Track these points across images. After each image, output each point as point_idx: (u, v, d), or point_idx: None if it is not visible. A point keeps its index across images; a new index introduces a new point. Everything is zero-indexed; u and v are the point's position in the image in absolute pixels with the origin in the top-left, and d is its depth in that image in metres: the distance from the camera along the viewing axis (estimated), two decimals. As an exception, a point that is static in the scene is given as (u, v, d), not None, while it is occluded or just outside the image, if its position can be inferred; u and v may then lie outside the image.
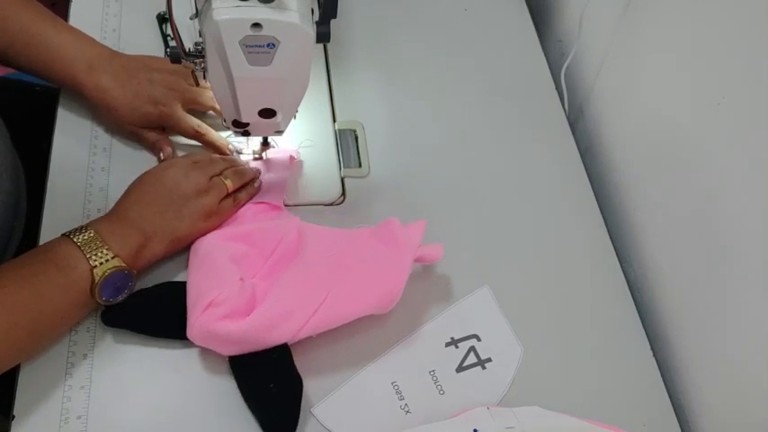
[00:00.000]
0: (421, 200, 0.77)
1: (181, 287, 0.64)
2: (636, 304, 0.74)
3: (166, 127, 0.75)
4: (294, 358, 0.62)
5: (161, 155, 0.74)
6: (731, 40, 0.64)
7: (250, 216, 0.71)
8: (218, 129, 0.76)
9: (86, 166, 0.73)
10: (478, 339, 0.69)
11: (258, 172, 0.74)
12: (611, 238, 0.78)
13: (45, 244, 0.62)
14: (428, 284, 0.71)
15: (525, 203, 0.79)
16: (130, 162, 0.73)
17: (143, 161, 0.74)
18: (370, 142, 0.81)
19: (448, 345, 0.68)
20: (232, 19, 0.56)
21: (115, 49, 0.76)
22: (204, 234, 0.67)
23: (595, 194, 0.81)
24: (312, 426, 0.62)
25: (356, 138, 0.81)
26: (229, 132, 0.76)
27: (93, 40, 0.74)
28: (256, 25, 0.56)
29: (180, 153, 0.75)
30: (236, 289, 0.62)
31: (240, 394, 0.62)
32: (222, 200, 0.69)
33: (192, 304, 0.62)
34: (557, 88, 0.90)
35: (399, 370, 0.66)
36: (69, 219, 0.68)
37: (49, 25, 0.72)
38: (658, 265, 0.76)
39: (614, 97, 0.85)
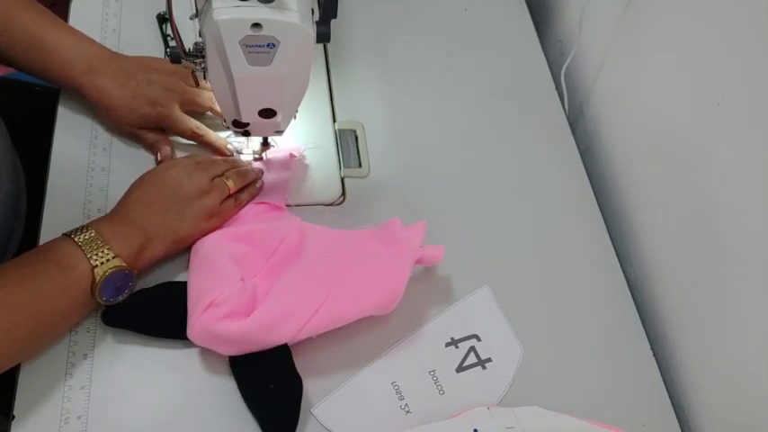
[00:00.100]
0: (421, 200, 0.77)
1: (181, 287, 0.64)
2: (636, 304, 0.74)
3: (165, 128, 0.75)
4: (294, 358, 0.62)
5: (158, 155, 0.74)
6: (731, 40, 0.64)
7: (251, 216, 0.71)
8: (216, 129, 0.76)
9: (86, 166, 0.73)
10: (478, 339, 0.69)
11: (260, 173, 0.74)
12: (611, 237, 0.78)
13: (46, 243, 0.62)
14: (428, 284, 0.71)
15: (525, 203, 0.79)
16: (131, 162, 0.73)
17: (143, 161, 0.74)
18: (370, 142, 0.81)
19: (448, 345, 0.68)
20: (232, 19, 0.56)
21: (115, 49, 0.76)
22: (205, 234, 0.67)
23: (595, 194, 0.81)
24: (312, 426, 0.62)
25: (356, 138, 0.81)
26: (229, 132, 0.76)
27: (93, 41, 0.74)
28: (256, 25, 0.56)
29: (179, 154, 0.75)
30: (237, 289, 0.62)
31: (240, 394, 0.62)
32: (224, 201, 0.69)
33: (192, 304, 0.62)
34: (557, 88, 0.90)
35: (399, 370, 0.66)
36: (69, 219, 0.68)
37: (49, 26, 0.72)
38: (658, 265, 0.76)
39: (614, 97, 0.85)
